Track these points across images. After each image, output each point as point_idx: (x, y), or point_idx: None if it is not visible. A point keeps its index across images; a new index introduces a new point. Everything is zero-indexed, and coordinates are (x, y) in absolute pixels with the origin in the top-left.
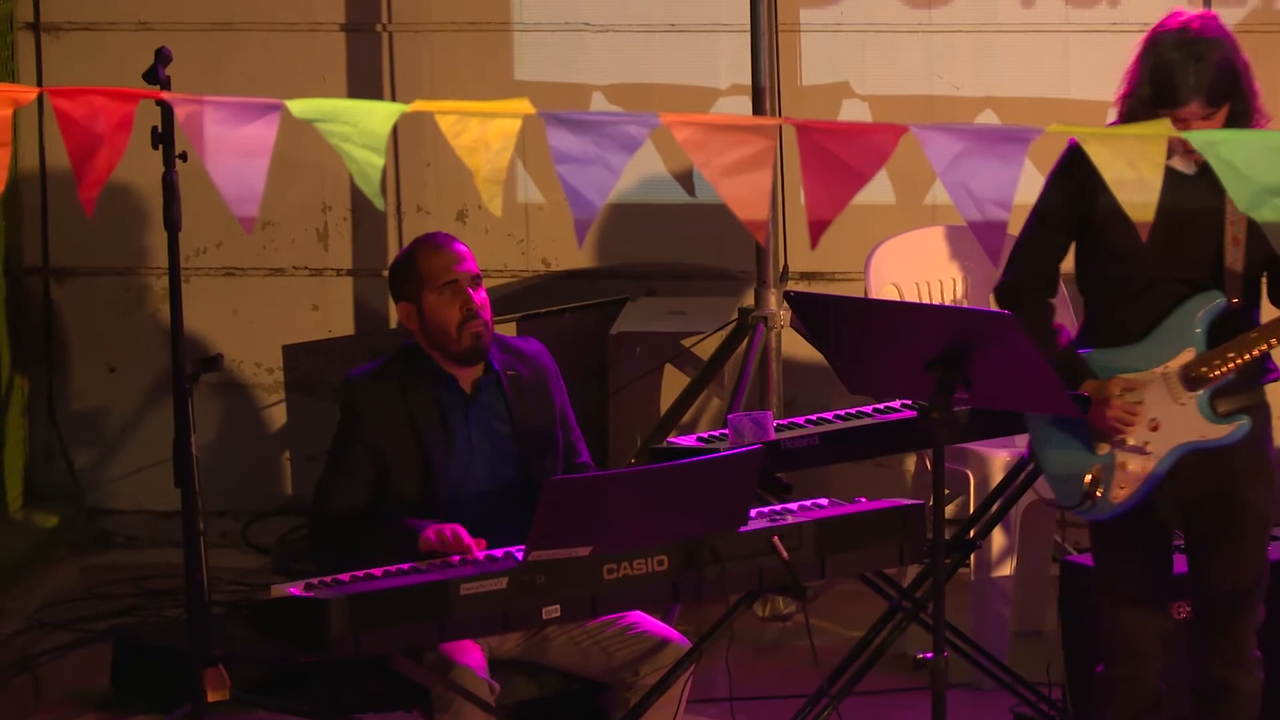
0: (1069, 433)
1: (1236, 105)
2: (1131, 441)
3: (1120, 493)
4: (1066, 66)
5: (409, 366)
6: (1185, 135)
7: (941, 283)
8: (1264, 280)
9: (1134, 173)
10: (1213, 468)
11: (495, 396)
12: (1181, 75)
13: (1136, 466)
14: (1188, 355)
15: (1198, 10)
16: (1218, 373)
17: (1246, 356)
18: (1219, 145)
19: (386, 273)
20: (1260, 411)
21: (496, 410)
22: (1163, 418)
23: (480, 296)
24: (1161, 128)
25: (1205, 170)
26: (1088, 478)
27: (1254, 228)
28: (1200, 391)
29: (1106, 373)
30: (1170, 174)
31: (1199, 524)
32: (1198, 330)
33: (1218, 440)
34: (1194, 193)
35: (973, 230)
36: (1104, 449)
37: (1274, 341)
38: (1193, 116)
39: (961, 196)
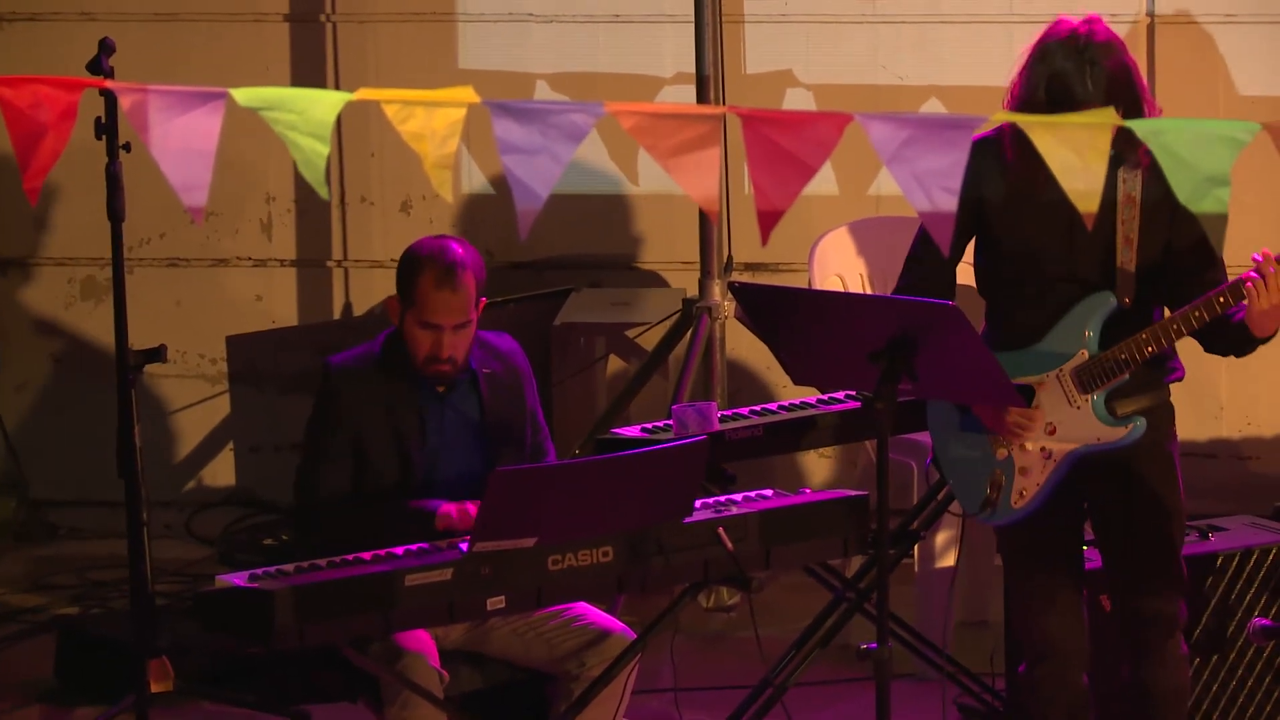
0: (968, 439)
1: (1130, 108)
2: (1030, 446)
3: (1020, 498)
4: (1011, 56)
5: (387, 357)
6: (1129, 124)
7: (885, 274)
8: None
9: (1080, 160)
10: (1115, 471)
11: (469, 392)
12: (1080, 83)
13: (1036, 470)
14: (1080, 358)
15: (1084, 15)
16: (1110, 376)
17: (1138, 358)
18: (1163, 134)
19: (331, 263)
20: (1162, 411)
21: (470, 406)
22: (1059, 421)
23: (463, 337)
24: (1107, 116)
25: None
26: (989, 483)
27: (1147, 226)
28: (1095, 394)
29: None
30: None
31: (1109, 528)
32: (1089, 333)
33: (1115, 442)
34: None
35: (921, 218)
36: (1003, 454)
37: (1164, 341)
38: None
39: (909, 184)
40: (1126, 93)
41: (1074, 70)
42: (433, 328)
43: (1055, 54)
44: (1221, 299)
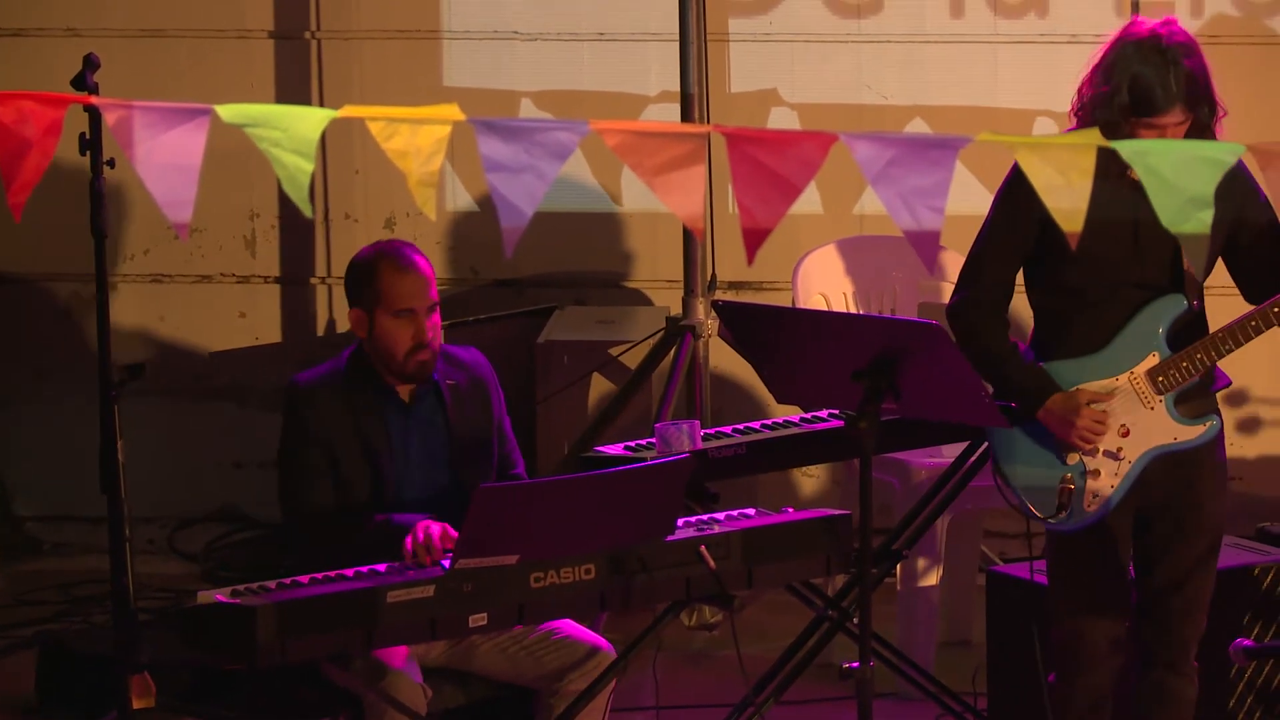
0: (1037, 444)
1: (1205, 110)
2: (1104, 448)
3: (1094, 501)
4: (995, 76)
5: (352, 373)
6: (1114, 144)
7: (869, 293)
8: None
9: (1063, 180)
10: (1177, 474)
11: (434, 406)
12: (1162, 84)
13: (1109, 473)
14: (1152, 360)
15: (1160, 18)
16: (1187, 376)
17: (1214, 356)
18: (1148, 155)
19: (315, 280)
20: (1218, 419)
21: (435, 420)
22: (1133, 423)
23: (434, 322)
24: (1091, 136)
25: None
26: (1061, 489)
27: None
28: (1167, 395)
29: (1069, 381)
30: (1128, 182)
31: (1156, 529)
32: (1160, 333)
33: (1190, 442)
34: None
35: (907, 237)
36: (1074, 458)
37: (1240, 340)
38: (1170, 123)
39: (894, 204)
40: (1205, 93)
41: (1157, 70)
42: (408, 313)
43: (1138, 54)
44: None
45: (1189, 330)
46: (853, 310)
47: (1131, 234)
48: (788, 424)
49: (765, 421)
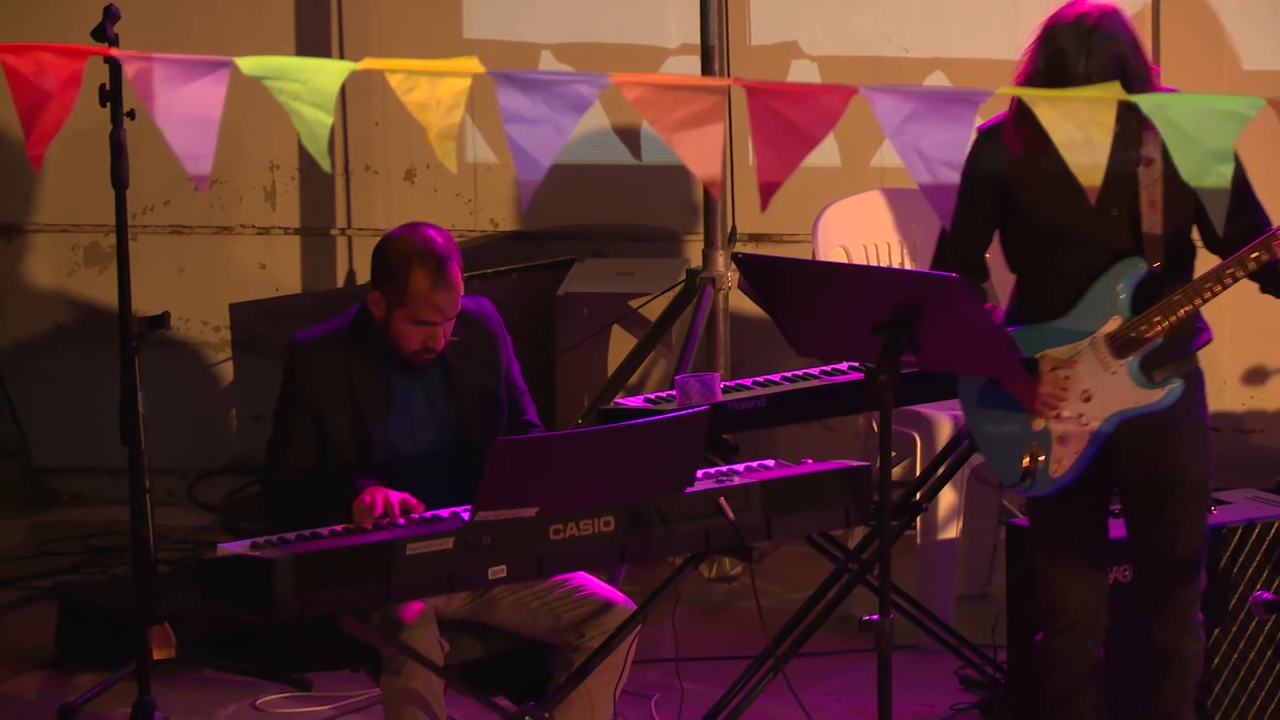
0: (1003, 409)
1: (1135, 83)
2: (1066, 414)
3: (1058, 466)
4: (1016, 29)
5: (356, 333)
6: (1135, 99)
7: (889, 245)
8: (1196, 238)
9: (1083, 135)
10: (1150, 437)
11: (437, 364)
12: (1076, 66)
13: (1073, 439)
14: (1114, 323)
15: None
16: (1145, 337)
17: (1173, 318)
18: (1167, 108)
19: (335, 231)
20: (1193, 379)
21: (438, 378)
22: (1095, 388)
23: (449, 327)
24: (1111, 90)
25: (1117, 137)
26: (1026, 454)
27: (1171, 189)
28: (1130, 358)
29: (1034, 348)
30: None
31: (1139, 494)
32: (1121, 297)
33: (1151, 405)
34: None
35: (923, 192)
36: (1039, 424)
37: (1198, 301)
38: None
39: (912, 158)
40: (1126, 64)
41: (1073, 53)
42: (427, 324)
43: (1061, 35)
44: (1255, 254)
45: (1154, 291)
46: (873, 263)
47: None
48: (807, 376)
49: (785, 374)
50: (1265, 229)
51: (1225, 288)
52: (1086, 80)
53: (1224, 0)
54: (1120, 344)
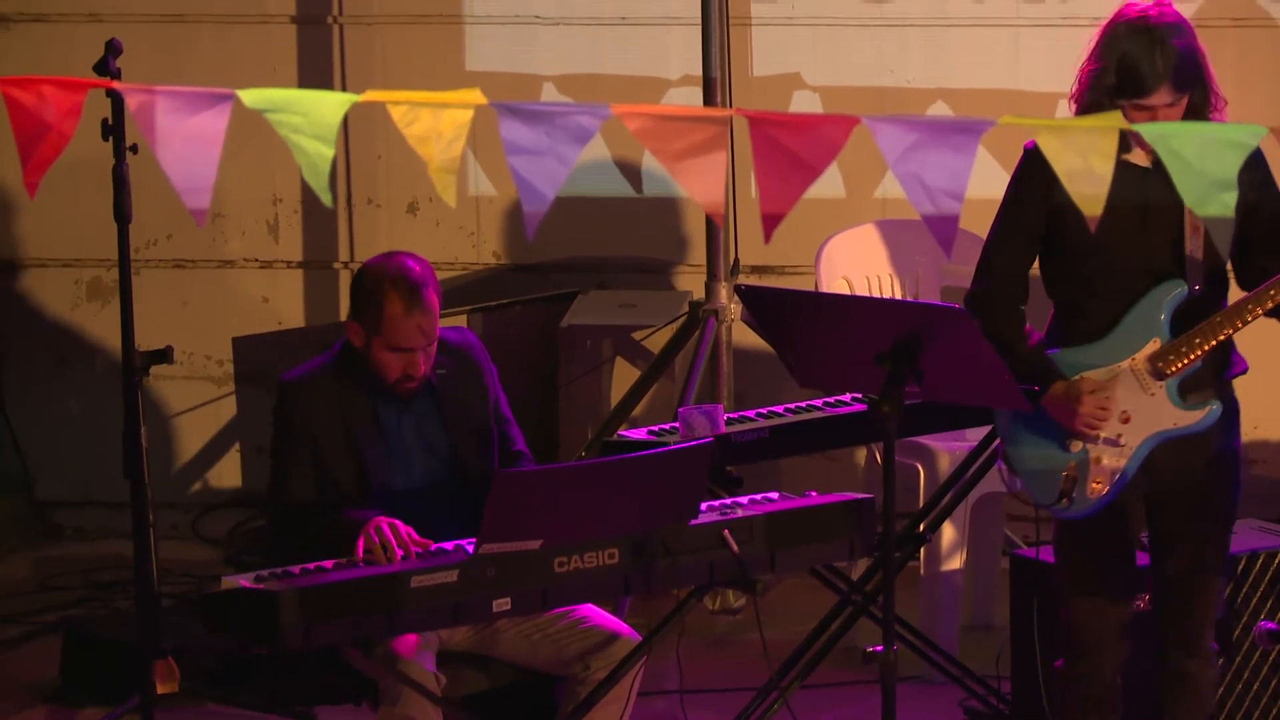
0: (1041, 431)
1: (1198, 93)
2: (1105, 435)
3: (1096, 487)
4: (1017, 59)
5: (341, 366)
6: (1136, 127)
7: (892, 276)
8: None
9: (1085, 164)
10: (1184, 460)
11: (426, 396)
12: (1148, 63)
13: (1111, 460)
14: (1154, 345)
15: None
16: (1185, 360)
17: (1213, 341)
18: (1170, 138)
19: (338, 264)
20: (1228, 406)
21: (428, 410)
22: (1134, 410)
23: (429, 354)
24: (1113, 120)
25: (1160, 162)
26: (1064, 475)
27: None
28: (1168, 381)
29: (1074, 371)
30: (1127, 167)
31: (1166, 516)
32: (1162, 319)
33: (1190, 427)
34: (1152, 184)
35: (926, 222)
36: (1077, 446)
37: (1239, 324)
38: (1159, 104)
39: (914, 188)
40: (1196, 77)
41: (1144, 49)
42: (405, 351)
43: (1127, 34)
44: None
45: (1194, 315)
46: (876, 294)
47: (1133, 221)
48: (810, 408)
49: (788, 405)
50: None
51: (1266, 310)
52: (1163, 76)
53: (1229, 30)
54: (1159, 365)
